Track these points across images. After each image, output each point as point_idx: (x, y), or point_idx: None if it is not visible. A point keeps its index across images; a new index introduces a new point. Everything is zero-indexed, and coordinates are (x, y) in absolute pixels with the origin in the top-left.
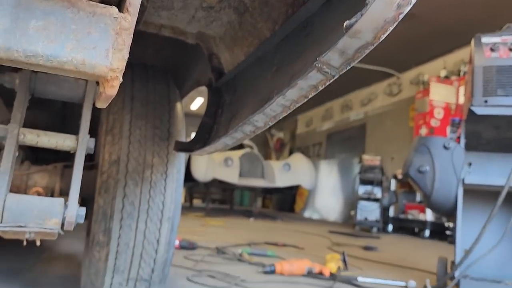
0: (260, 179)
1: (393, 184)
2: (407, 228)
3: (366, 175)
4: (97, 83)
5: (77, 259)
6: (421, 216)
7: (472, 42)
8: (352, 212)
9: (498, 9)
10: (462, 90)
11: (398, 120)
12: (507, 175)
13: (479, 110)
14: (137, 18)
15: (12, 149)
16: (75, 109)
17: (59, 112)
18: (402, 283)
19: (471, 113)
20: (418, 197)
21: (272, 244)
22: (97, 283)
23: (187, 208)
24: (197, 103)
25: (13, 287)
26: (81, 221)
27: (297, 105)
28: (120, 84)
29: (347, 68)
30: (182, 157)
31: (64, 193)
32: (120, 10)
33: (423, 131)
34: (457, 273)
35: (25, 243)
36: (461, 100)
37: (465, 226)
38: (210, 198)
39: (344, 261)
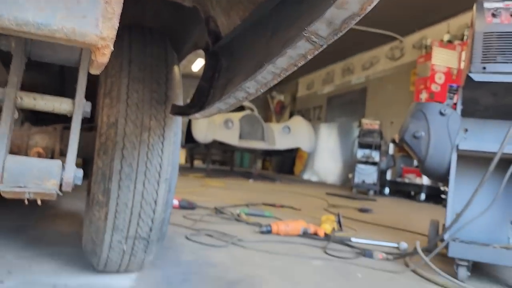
0: (260, 141)
1: (391, 148)
2: (403, 191)
3: (365, 139)
4: None
5: (79, 217)
6: (417, 180)
7: (474, 7)
8: (350, 175)
9: None
10: (464, 55)
11: (399, 85)
12: (502, 142)
13: (477, 77)
14: None
15: (10, 112)
16: (73, 73)
17: (58, 75)
18: (394, 245)
19: (469, 79)
20: (415, 161)
21: (269, 205)
22: (98, 241)
23: (188, 169)
24: (198, 64)
25: (17, 243)
26: (79, 182)
27: (287, 73)
28: (118, 47)
29: (335, 38)
30: (179, 120)
31: (64, 153)
32: None
33: (424, 96)
34: (446, 236)
35: (26, 202)
36: (463, 65)
37: (457, 191)
38: (211, 159)
39: (339, 222)
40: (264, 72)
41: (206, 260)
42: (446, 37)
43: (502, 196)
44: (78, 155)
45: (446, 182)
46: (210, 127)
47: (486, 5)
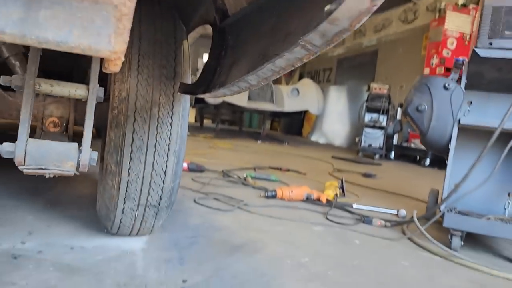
0: (269, 103)
1: (399, 113)
2: (409, 156)
3: (373, 103)
4: None
5: (94, 180)
6: (423, 145)
7: None
8: (357, 139)
9: None
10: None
11: (411, 48)
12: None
13: (483, 53)
14: None
15: (29, 99)
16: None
17: (72, 61)
18: (394, 211)
19: (475, 54)
20: None
21: (276, 168)
22: (111, 207)
23: (198, 128)
24: None
25: (36, 205)
26: (94, 163)
27: (285, 71)
28: None
29: (328, 47)
30: (187, 95)
31: (78, 123)
32: None
33: (434, 61)
34: (443, 207)
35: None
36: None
37: (457, 163)
38: (220, 119)
39: (342, 188)
40: (264, 69)
41: (212, 224)
42: (461, 0)
43: (500, 168)
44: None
45: (446, 154)
46: None
47: None
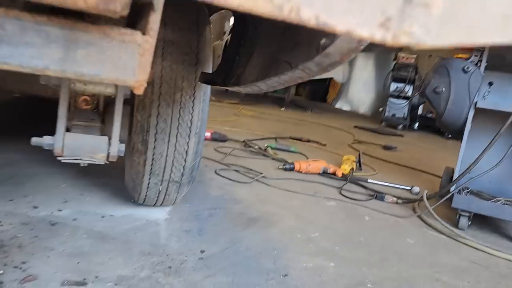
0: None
1: None
2: (433, 126)
3: (399, 73)
4: None
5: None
6: (438, 126)
7: None
8: (381, 109)
9: None
10: None
11: None
12: None
13: None
14: None
15: (66, 96)
16: None
17: None
18: (408, 187)
19: None
20: None
21: (296, 139)
22: (137, 181)
23: (223, 93)
24: None
25: (70, 173)
26: (122, 154)
27: (290, 84)
28: None
29: (325, 72)
30: None
31: (108, 100)
32: (143, 32)
33: None
34: (452, 188)
35: None
36: None
37: (470, 146)
38: None
39: (359, 162)
40: (271, 81)
41: (231, 196)
42: None
43: None
44: None
45: (460, 136)
46: None
47: None
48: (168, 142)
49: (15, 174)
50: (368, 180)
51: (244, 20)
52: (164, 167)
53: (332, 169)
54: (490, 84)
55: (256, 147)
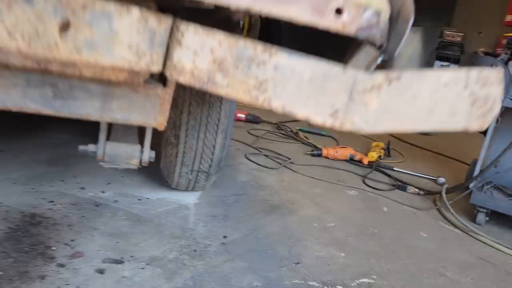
0: None
1: None
2: None
3: (444, 51)
4: None
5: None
6: None
7: None
8: None
9: None
10: None
11: None
12: None
13: None
14: None
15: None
16: None
17: None
18: (434, 178)
19: None
20: None
21: None
22: (170, 170)
23: None
24: None
25: None
26: (152, 160)
27: None
28: None
29: None
30: None
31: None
32: (164, 84)
33: None
34: (471, 185)
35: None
36: None
37: (494, 143)
38: None
39: (388, 149)
40: None
41: (258, 182)
42: None
43: None
44: None
45: (484, 133)
46: None
47: None
48: (197, 137)
49: (66, 155)
50: (394, 169)
51: (269, 24)
52: (194, 159)
53: (359, 156)
54: None
55: (288, 130)
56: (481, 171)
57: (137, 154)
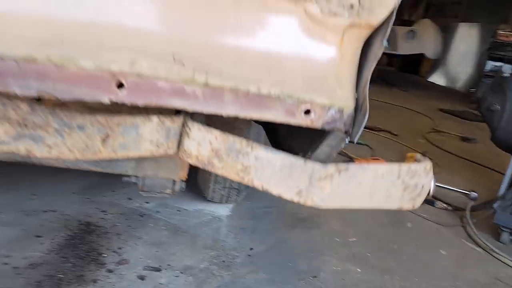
0: None
1: None
2: None
3: (497, 51)
4: None
5: None
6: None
7: None
8: (472, 90)
9: None
10: None
11: None
12: None
13: None
14: None
15: None
16: None
17: None
18: (466, 192)
19: None
20: None
21: (368, 128)
22: (205, 186)
23: None
24: None
25: None
26: (183, 190)
27: None
28: None
29: None
30: None
31: None
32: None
33: None
34: (496, 205)
35: None
36: None
37: None
38: None
39: None
40: None
41: None
42: None
43: None
44: None
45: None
46: None
47: None
48: None
49: None
50: None
51: None
52: (226, 178)
53: None
54: None
55: None
56: (505, 193)
57: (169, 185)
